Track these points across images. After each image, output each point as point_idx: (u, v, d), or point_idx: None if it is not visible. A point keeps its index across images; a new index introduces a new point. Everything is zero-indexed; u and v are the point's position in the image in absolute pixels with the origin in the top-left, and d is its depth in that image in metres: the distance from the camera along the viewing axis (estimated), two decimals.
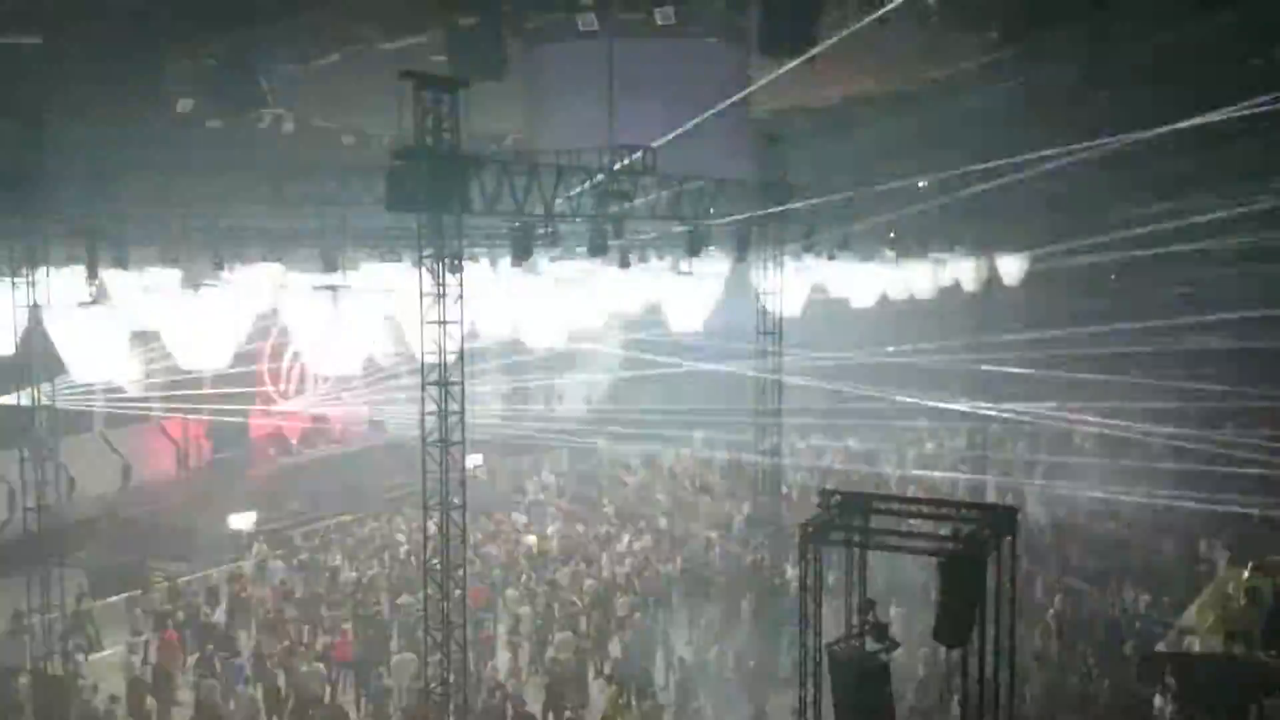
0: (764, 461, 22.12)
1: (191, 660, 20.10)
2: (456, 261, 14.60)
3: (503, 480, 31.97)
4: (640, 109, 17.33)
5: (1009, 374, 30.17)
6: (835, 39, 15.21)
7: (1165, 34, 17.38)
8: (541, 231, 16.97)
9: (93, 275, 18.59)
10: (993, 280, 29.91)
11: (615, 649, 20.60)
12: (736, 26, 18.94)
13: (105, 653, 20.89)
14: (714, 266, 22.81)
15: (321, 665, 19.22)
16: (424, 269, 14.55)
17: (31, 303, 18.44)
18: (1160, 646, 20.13)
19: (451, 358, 14.54)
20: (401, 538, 25.88)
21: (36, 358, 18.99)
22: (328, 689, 19.05)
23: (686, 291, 21.94)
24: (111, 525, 26.99)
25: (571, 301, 20.43)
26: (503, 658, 20.41)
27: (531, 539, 25.80)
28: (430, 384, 14.58)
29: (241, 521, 26.52)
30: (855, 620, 11.63)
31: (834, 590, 12.06)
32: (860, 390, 31.31)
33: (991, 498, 27.25)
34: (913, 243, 28.09)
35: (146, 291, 19.30)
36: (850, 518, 11.71)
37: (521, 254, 17.12)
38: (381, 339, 18.71)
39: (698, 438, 36.19)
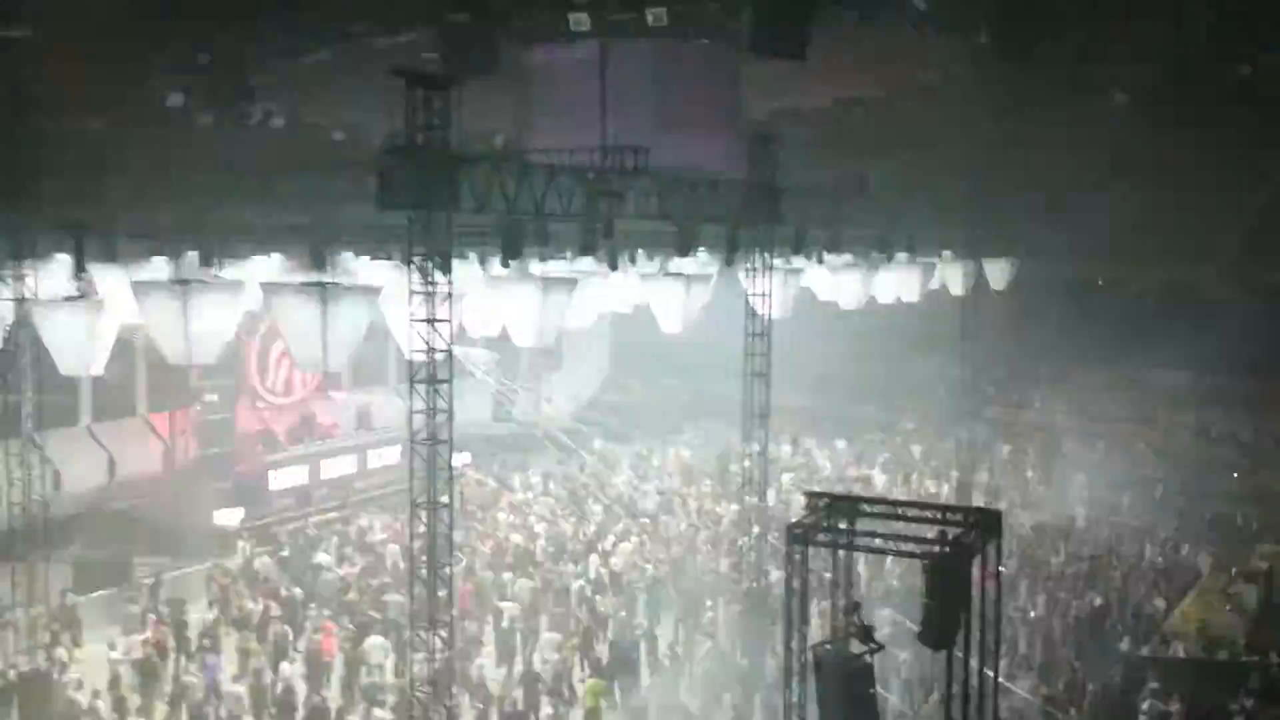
0: (751, 463, 22.08)
1: (175, 657, 20.04)
2: (446, 260, 14.59)
3: (491, 478, 31.88)
4: (631, 109, 17.29)
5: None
6: (828, 41, 15.22)
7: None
8: (531, 231, 16.96)
9: (80, 270, 18.51)
10: (980, 284, 29.91)
11: (602, 648, 20.59)
12: (729, 28, 18.91)
13: (88, 648, 20.78)
14: (703, 268, 22.80)
15: (305, 664, 19.19)
16: (413, 267, 14.53)
17: (18, 297, 18.37)
18: (1145, 650, 20.26)
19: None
20: (382, 535, 25.86)
21: (23, 352, 18.92)
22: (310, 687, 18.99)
23: (675, 292, 21.92)
24: (97, 521, 26.84)
25: (560, 301, 20.33)
26: (489, 657, 20.35)
27: (519, 538, 25.75)
28: (419, 382, 14.56)
29: (227, 518, 26.42)
30: (840, 621, 11.68)
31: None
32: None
33: (979, 501, 27.34)
34: (901, 245, 28.09)
35: (135, 286, 19.20)
36: (837, 520, 11.76)
37: (511, 253, 17.11)
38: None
39: (686, 438, 36.27)
